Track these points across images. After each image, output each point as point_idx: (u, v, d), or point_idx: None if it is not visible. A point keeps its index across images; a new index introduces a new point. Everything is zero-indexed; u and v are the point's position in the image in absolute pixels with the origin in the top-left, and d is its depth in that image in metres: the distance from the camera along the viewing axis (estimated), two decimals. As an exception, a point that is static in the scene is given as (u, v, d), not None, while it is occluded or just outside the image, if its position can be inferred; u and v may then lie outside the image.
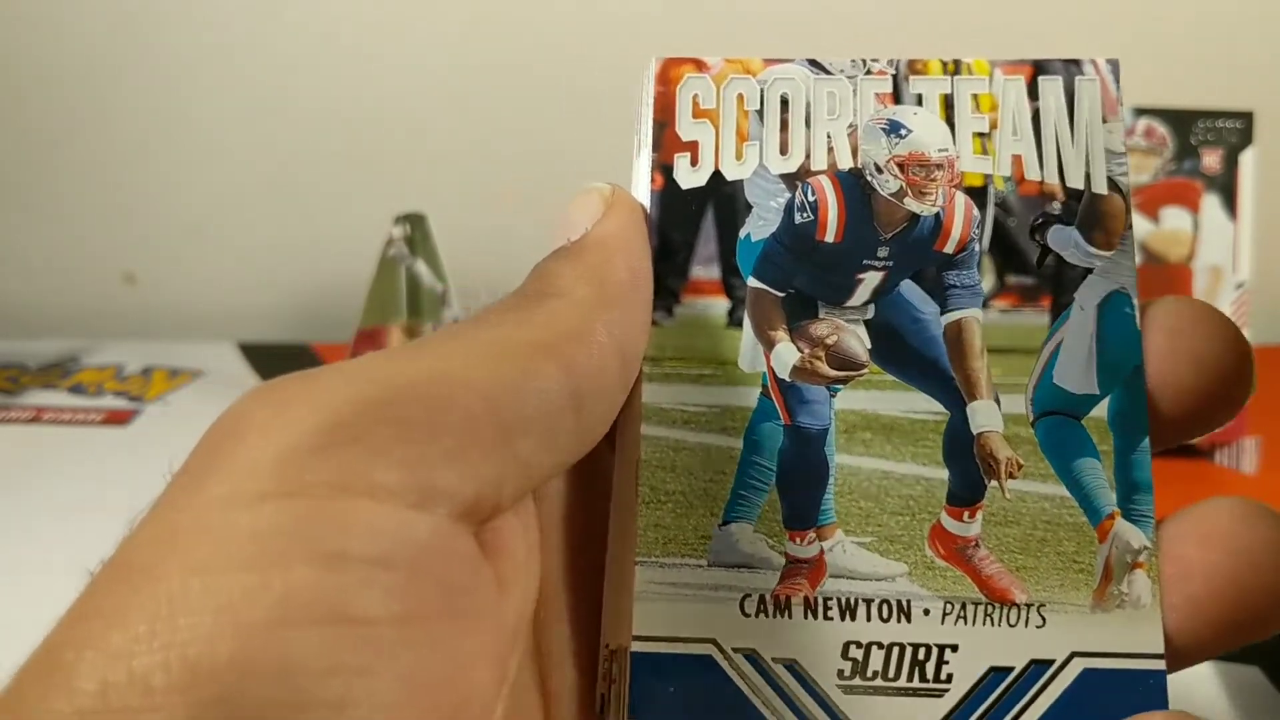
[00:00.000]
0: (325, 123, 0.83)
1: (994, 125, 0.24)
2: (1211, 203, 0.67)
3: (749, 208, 0.24)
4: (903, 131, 0.24)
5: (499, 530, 0.19)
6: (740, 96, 0.24)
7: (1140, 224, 0.68)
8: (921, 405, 0.23)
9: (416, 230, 0.68)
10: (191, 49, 0.83)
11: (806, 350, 0.23)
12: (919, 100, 0.24)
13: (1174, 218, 0.68)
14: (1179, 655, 0.21)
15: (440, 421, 0.17)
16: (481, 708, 0.17)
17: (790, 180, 0.24)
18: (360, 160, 0.84)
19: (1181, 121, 0.67)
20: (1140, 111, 0.69)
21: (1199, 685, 0.47)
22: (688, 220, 0.24)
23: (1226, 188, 0.67)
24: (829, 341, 0.23)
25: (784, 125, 0.24)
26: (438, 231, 0.69)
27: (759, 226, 0.24)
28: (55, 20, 0.82)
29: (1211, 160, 0.67)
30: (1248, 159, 0.67)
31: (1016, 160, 0.24)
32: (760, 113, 0.24)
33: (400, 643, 0.16)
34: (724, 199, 0.24)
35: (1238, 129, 0.67)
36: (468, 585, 0.18)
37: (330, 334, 0.77)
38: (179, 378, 0.72)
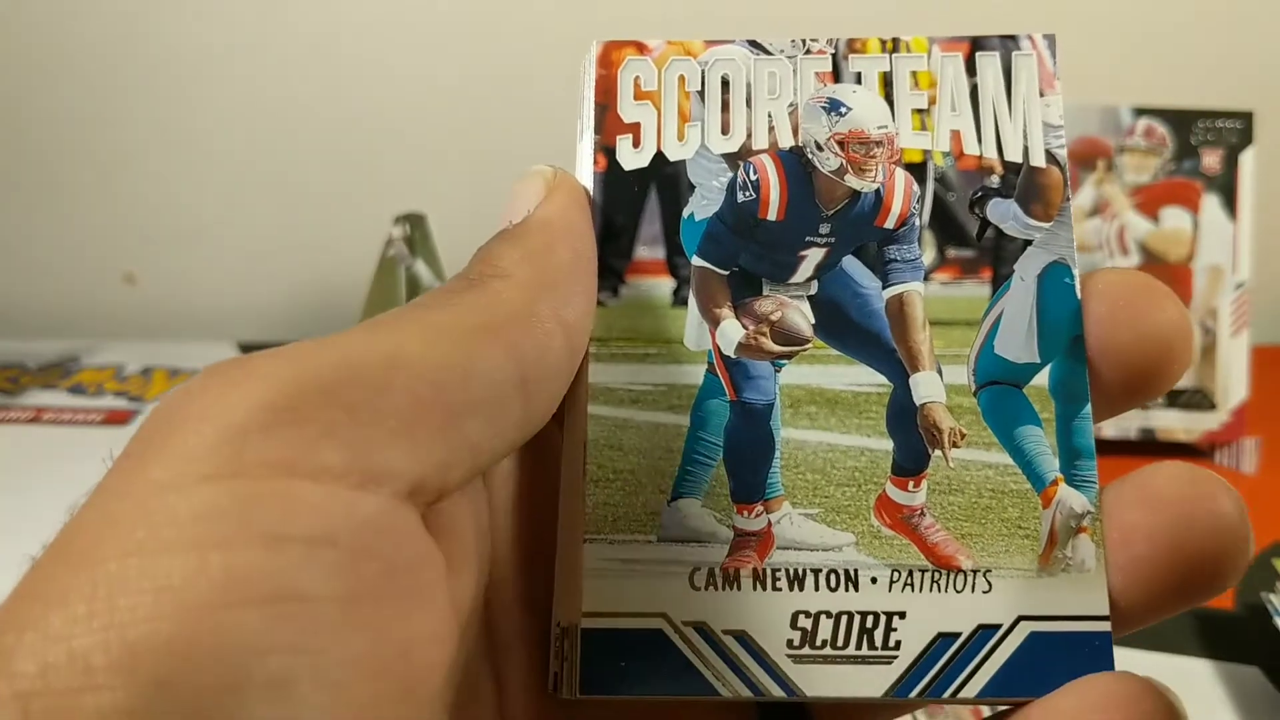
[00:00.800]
0: (325, 123, 0.83)
1: (932, 101, 0.24)
2: (1211, 203, 0.67)
3: (692, 188, 0.24)
4: (842, 109, 0.24)
5: (447, 512, 0.19)
6: (681, 78, 0.24)
7: (1140, 224, 0.68)
8: (865, 378, 0.23)
9: (416, 230, 0.68)
10: (192, 50, 0.83)
11: (751, 327, 0.23)
12: (858, 79, 0.24)
13: (1174, 218, 0.68)
14: (1124, 618, 0.22)
15: (384, 403, 0.17)
16: (430, 688, 0.17)
17: (733, 160, 0.24)
18: (360, 160, 0.84)
19: (1181, 121, 0.67)
20: (1140, 111, 0.69)
21: (1199, 685, 0.47)
22: (631, 201, 0.24)
23: (1226, 188, 0.67)
24: (773, 318, 0.24)
25: (725, 105, 0.24)
26: (438, 231, 0.69)
27: (702, 206, 0.24)
28: (55, 21, 0.82)
29: (1211, 160, 0.67)
30: (1248, 159, 0.67)
31: (955, 135, 0.24)
32: (701, 93, 0.24)
33: (344, 622, 0.16)
34: (667, 179, 0.24)
35: (1238, 129, 0.67)
36: (414, 565, 0.17)
37: (330, 334, 0.77)
38: (179, 378, 0.72)
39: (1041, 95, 0.24)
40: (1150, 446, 0.67)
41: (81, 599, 0.15)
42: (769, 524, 0.23)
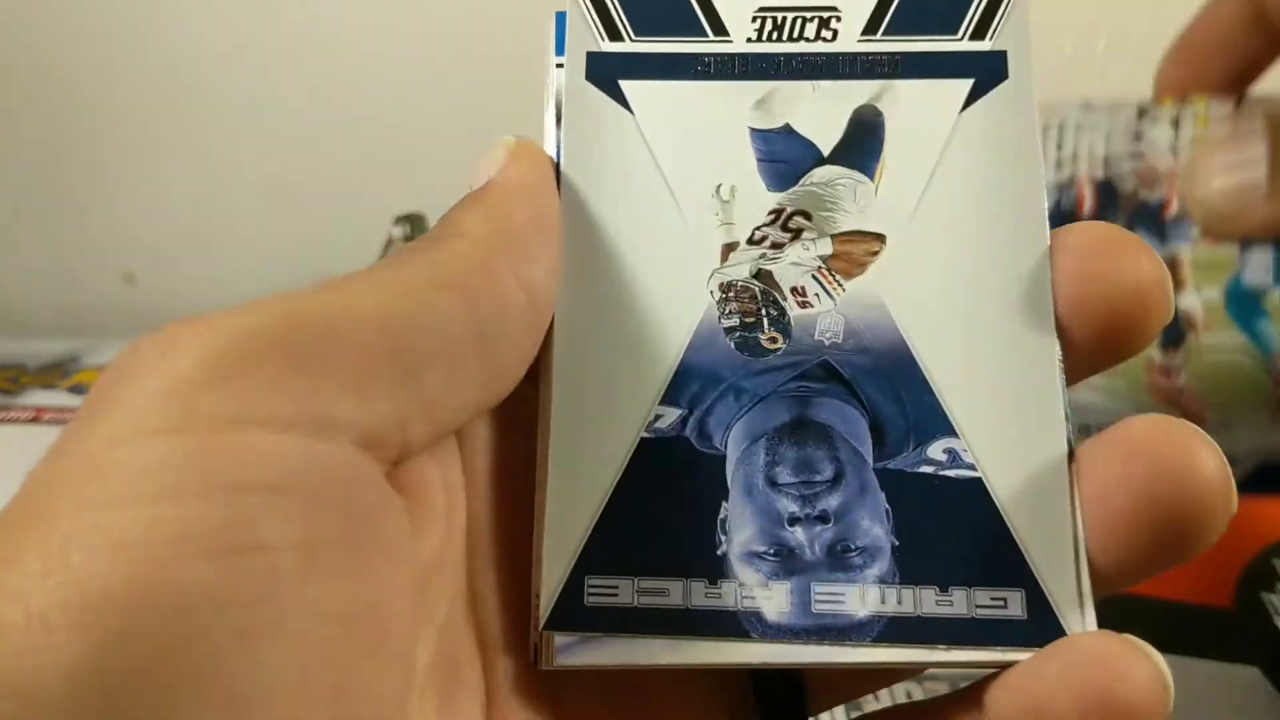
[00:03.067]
0: (325, 123, 0.83)
1: None
2: (1211, 202, 0.67)
3: None
4: None
5: (414, 471, 0.19)
6: None
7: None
8: None
9: (416, 230, 0.68)
10: (191, 50, 0.83)
11: None
12: None
13: (1174, 217, 0.68)
14: (1104, 578, 0.21)
15: (334, 354, 0.17)
16: (401, 643, 0.17)
17: None
18: (360, 160, 0.84)
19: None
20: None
21: (1199, 685, 0.47)
22: None
23: (1226, 187, 0.67)
24: None
25: None
26: (437, 231, 0.69)
27: None
28: (54, 21, 0.82)
29: (1211, 160, 0.67)
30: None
31: None
32: None
33: (306, 571, 0.16)
34: None
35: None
36: (375, 515, 0.17)
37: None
38: (179, 378, 0.72)
39: None
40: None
41: (36, 556, 0.15)
42: None
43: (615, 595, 0.19)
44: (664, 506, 0.20)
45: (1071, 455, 0.20)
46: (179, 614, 0.15)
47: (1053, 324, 0.21)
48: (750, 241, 0.22)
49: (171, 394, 0.16)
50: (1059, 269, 0.21)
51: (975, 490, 0.20)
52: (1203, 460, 0.20)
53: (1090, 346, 0.21)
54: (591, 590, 0.19)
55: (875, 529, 0.20)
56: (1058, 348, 0.21)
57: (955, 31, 0.22)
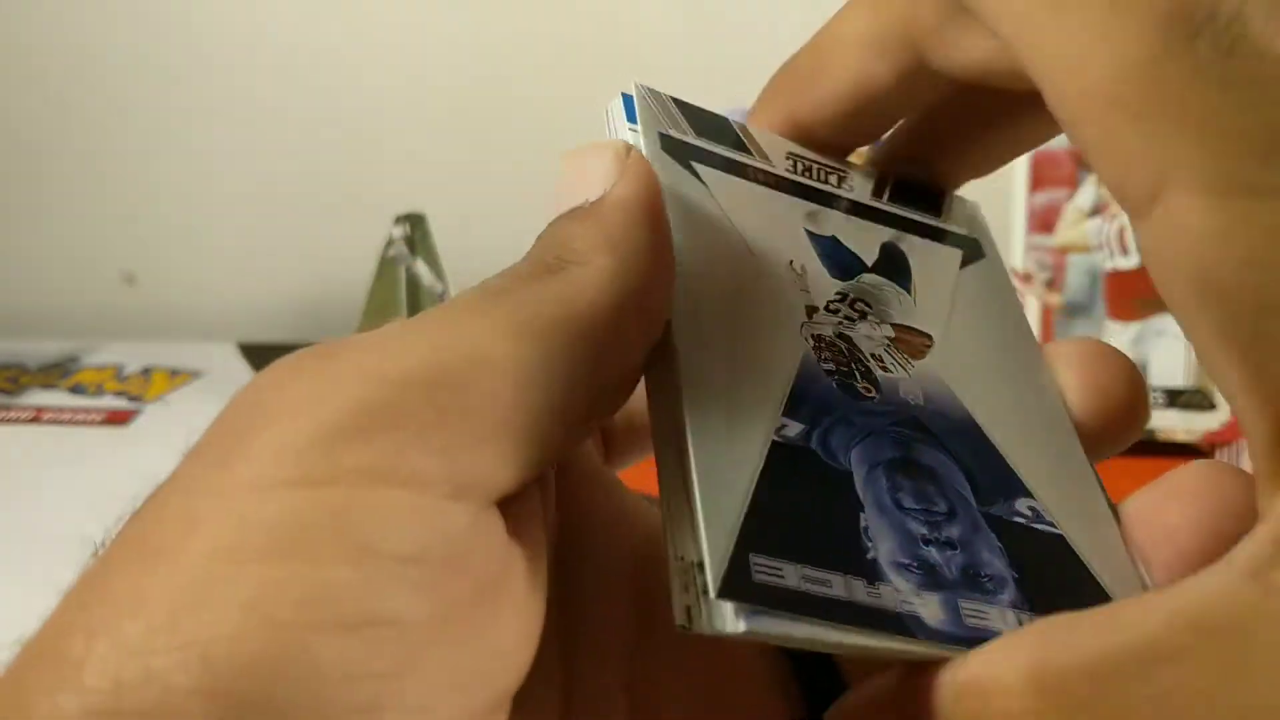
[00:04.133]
0: (325, 123, 0.83)
1: None
2: (1211, 202, 0.67)
3: None
4: None
5: (521, 504, 0.18)
6: None
7: (1140, 224, 0.68)
8: None
9: (416, 230, 0.68)
10: (191, 49, 0.83)
11: None
12: None
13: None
14: None
15: (472, 405, 0.16)
16: (513, 690, 0.17)
17: None
18: (360, 160, 0.84)
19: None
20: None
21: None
22: None
23: (1226, 187, 0.67)
24: None
25: None
26: (437, 231, 0.69)
27: None
28: (55, 21, 0.82)
29: (1211, 160, 0.67)
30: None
31: None
32: None
33: (434, 644, 0.15)
34: None
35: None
36: (501, 575, 0.17)
37: (330, 334, 0.76)
38: (179, 378, 0.72)
39: None
40: (1150, 446, 0.67)
41: (160, 607, 0.14)
42: None
43: (781, 577, 0.19)
44: (808, 506, 0.20)
45: (1116, 515, 0.22)
46: (305, 686, 0.14)
47: (1066, 415, 0.23)
48: (826, 309, 0.23)
49: (316, 443, 0.15)
50: (1061, 381, 0.23)
51: (1061, 545, 0.22)
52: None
53: (1090, 444, 0.23)
54: (758, 567, 0.19)
55: (996, 562, 0.21)
56: (1075, 432, 0.23)
57: (939, 215, 0.26)
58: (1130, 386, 0.23)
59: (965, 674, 0.18)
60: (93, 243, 0.87)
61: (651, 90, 0.24)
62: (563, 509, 0.22)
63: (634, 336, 0.19)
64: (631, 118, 0.24)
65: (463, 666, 0.16)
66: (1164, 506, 0.21)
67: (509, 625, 0.17)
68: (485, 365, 0.17)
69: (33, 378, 0.72)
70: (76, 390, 0.70)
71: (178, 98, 0.84)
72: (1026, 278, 0.67)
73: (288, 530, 0.14)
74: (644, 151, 0.22)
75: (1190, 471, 0.21)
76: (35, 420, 0.67)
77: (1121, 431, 0.23)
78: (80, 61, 0.83)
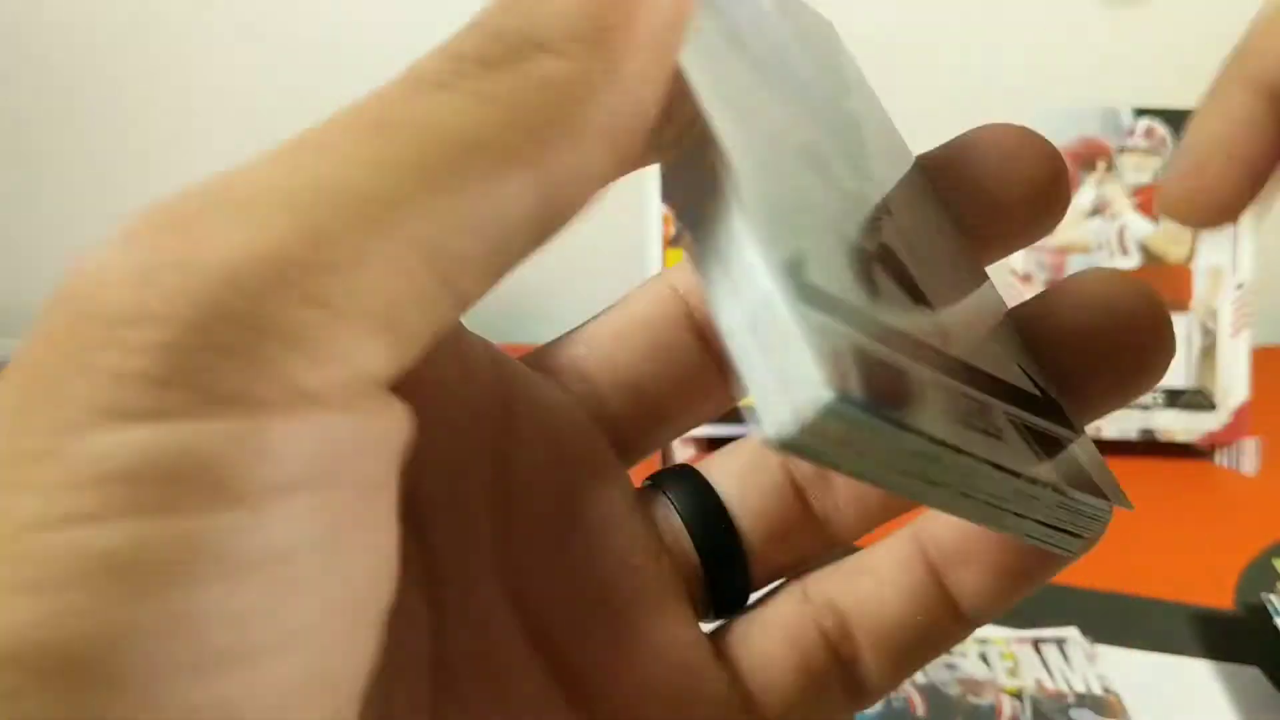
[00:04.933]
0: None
1: None
2: (1212, 203, 0.67)
3: None
4: None
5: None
6: None
7: (1141, 224, 0.68)
8: None
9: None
10: (192, 49, 0.83)
11: None
12: None
13: (1174, 218, 0.68)
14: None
15: (358, 284, 0.13)
16: (386, 614, 0.15)
17: None
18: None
19: (1181, 121, 0.67)
20: (1140, 112, 0.69)
21: (1199, 685, 0.47)
22: None
23: (1226, 188, 0.67)
24: None
25: None
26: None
27: None
28: (55, 21, 0.82)
29: (1212, 160, 0.67)
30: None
31: None
32: None
33: (308, 568, 0.13)
34: None
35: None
36: (381, 478, 0.14)
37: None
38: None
39: None
40: (1150, 447, 0.67)
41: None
42: None
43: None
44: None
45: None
46: (178, 637, 0.12)
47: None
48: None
49: (175, 368, 0.12)
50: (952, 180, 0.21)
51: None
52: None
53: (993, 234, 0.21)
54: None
55: None
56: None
57: None
58: (1037, 154, 0.20)
59: None
60: (93, 243, 0.87)
61: None
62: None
63: (600, 171, 0.15)
64: None
65: (340, 586, 0.14)
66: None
67: (387, 532, 0.14)
68: (383, 224, 0.13)
69: (33, 378, 0.72)
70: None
71: (179, 98, 0.84)
72: (1026, 278, 0.67)
73: (102, 479, 0.12)
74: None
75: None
76: (36, 420, 0.67)
77: (1041, 209, 0.20)
78: (80, 62, 0.83)
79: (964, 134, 0.21)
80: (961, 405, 0.16)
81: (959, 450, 0.15)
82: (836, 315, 0.15)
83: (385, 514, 0.14)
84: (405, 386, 0.15)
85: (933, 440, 0.15)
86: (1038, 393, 0.19)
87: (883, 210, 0.19)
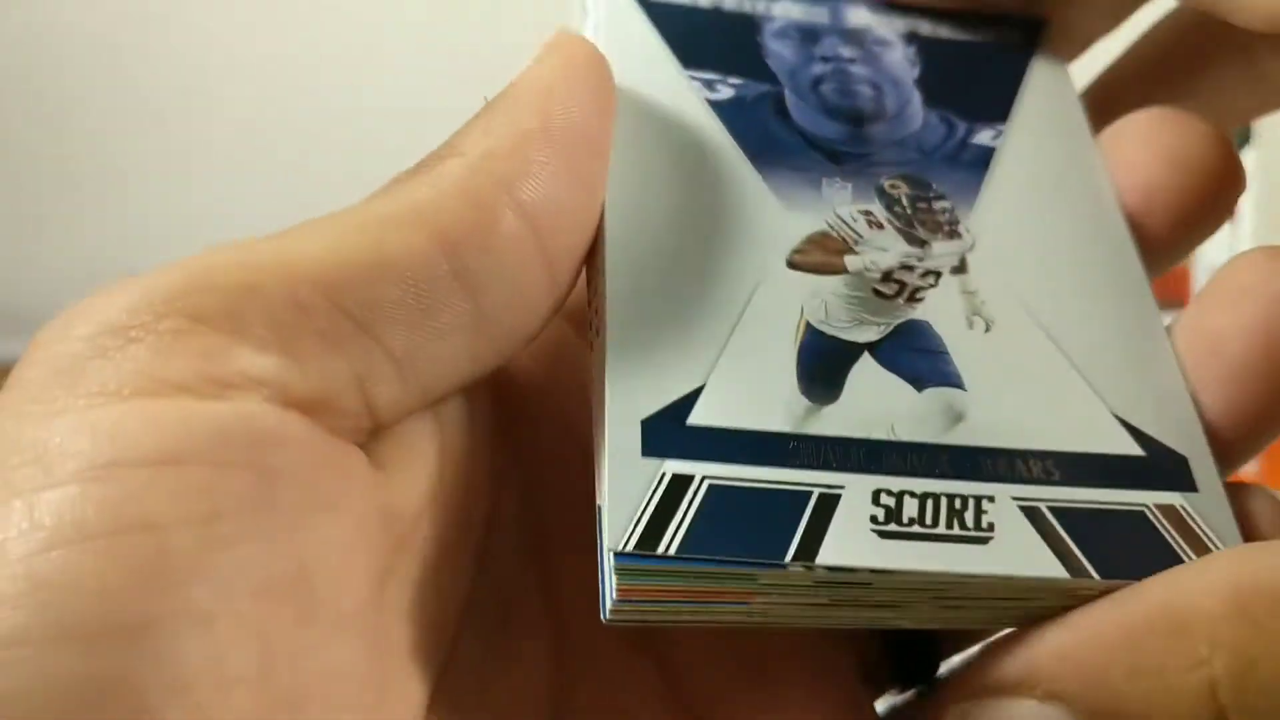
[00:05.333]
0: (326, 124, 0.83)
1: None
2: (1211, 203, 0.67)
3: None
4: None
5: (404, 433, 0.16)
6: None
7: (1140, 224, 0.68)
8: None
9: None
10: (193, 51, 0.83)
11: None
12: None
13: (1174, 218, 0.68)
14: (1230, 446, 0.18)
15: (250, 309, 0.15)
16: (342, 605, 0.15)
17: None
18: (360, 160, 0.84)
19: (1181, 122, 0.67)
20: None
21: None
22: None
23: (1226, 188, 0.67)
24: None
25: None
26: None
27: None
28: (57, 23, 0.82)
29: (1211, 161, 0.68)
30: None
31: None
32: None
33: (205, 545, 0.14)
34: None
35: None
36: (303, 470, 0.15)
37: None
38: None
39: None
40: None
41: None
42: None
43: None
44: None
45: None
46: (70, 606, 0.13)
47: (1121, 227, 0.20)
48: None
49: (57, 372, 0.14)
50: (1117, 163, 0.20)
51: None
52: None
53: (1169, 234, 0.20)
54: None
55: None
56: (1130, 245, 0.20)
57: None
58: (1210, 146, 0.19)
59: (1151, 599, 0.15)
60: (93, 243, 0.87)
61: None
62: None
63: (505, 231, 0.16)
64: None
65: (251, 571, 0.14)
66: (1210, 308, 0.18)
67: (323, 528, 0.15)
68: (279, 266, 0.15)
69: (34, 378, 0.72)
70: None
71: (180, 99, 0.84)
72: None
73: (23, 465, 0.14)
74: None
75: (1241, 262, 0.18)
76: (36, 421, 0.67)
77: (1212, 209, 0.19)
78: (81, 64, 0.83)
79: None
80: (901, 506, 0.16)
81: (808, 568, 0.15)
82: (690, 456, 0.16)
83: (323, 508, 0.15)
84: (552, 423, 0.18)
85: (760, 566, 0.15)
86: (1138, 452, 0.17)
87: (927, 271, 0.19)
